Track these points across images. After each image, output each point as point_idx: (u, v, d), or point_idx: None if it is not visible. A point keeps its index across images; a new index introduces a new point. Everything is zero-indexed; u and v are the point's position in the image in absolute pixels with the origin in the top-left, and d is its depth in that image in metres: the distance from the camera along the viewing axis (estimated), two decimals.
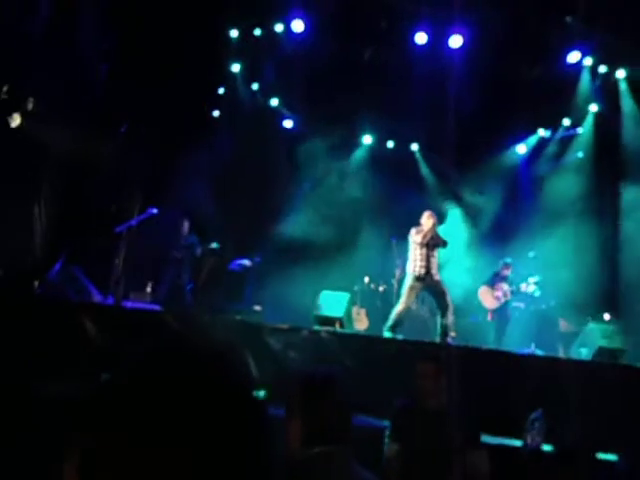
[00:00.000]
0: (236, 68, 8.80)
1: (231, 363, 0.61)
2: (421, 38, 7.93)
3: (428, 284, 5.44)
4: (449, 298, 5.44)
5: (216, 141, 8.72)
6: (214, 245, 8.05)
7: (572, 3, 7.35)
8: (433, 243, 5.46)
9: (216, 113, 8.68)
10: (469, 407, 2.42)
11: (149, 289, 7.52)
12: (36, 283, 5.97)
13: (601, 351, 5.43)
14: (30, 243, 6.88)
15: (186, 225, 7.51)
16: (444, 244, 5.53)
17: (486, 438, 2.83)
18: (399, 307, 5.47)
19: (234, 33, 8.17)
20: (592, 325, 5.86)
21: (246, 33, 8.21)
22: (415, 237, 5.51)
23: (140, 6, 7.42)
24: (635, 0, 6.74)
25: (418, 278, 5.42)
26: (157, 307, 6.34)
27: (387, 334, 5.43)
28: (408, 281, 5.51)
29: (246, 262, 7.97)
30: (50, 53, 6.73)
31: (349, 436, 1.45)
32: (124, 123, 7.56)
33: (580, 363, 5.18)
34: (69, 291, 5.74)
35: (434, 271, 5.42)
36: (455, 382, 3.17)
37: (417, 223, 5.77)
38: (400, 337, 5.38)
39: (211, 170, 9.08)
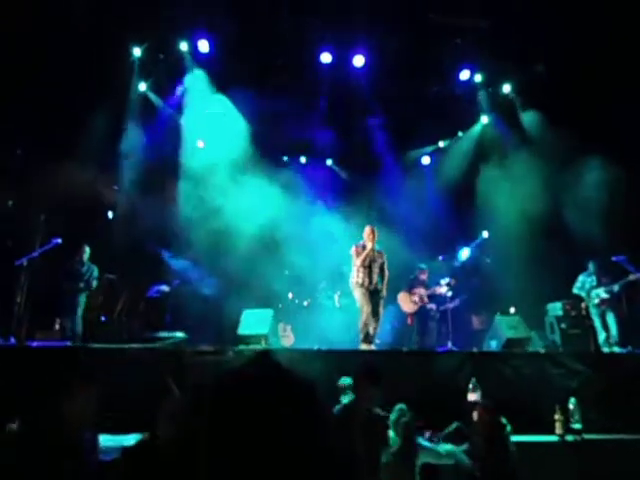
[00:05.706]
0: (143, 87, 8.53)
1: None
2: (326, 57, 8.23)
3: (371, 291, 5.80)
4: (382, 309, 5.86)
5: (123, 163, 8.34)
6: (110, 276, 7.50)
7: (460, 28, 8.04)
8: (373, 261, 5.88)
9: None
10: None
11: (57, 326, 6.93)
12: None
13: (509, 342, 5.88)
14: None
15: (85, 252, 6.74)
16: (381, 268, 5.92)
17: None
18: (362, 317, 5.67)
19: (137, 52, 7.92)
20: (499, 318, 6.31)
21: (151, 51, 8.00)
22: (355, 260, 5.89)
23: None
24: (507, 24, 7.49)
25: (362, 285, 5.80)
26: (66, 343, 5.87)
27: (362, 347, 5.53)
28: (356, 291, 5.82)
29: (164, 287, 7.64)
30: None
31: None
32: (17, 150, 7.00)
33: (490, 354, 5.54)
34: None
35: (375, 282, 5.83)
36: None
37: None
38: (319, 348, 5.40)
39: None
